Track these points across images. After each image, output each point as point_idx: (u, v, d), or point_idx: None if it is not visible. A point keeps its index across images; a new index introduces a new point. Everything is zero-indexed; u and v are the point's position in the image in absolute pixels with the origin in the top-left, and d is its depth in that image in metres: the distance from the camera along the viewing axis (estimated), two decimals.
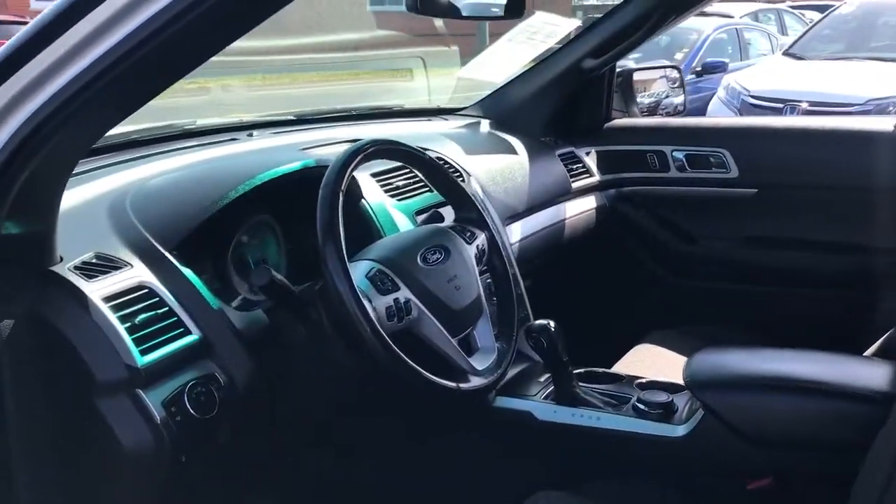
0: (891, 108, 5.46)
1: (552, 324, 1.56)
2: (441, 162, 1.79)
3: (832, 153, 2.13)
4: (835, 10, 7.27)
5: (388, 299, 1.15)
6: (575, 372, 1.66)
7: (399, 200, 1.58)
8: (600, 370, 1.69)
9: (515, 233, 1.91)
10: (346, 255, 1.10)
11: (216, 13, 0.79)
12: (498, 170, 1.95)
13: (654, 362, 1.87)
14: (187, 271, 1.17)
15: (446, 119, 2.29)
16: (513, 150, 2.09)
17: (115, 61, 0.82)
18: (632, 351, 1.97)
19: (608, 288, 2.29)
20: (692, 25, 7.97)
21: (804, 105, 5.69)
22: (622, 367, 1.87)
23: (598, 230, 2.25)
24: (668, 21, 2.07)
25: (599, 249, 2.26)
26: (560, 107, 2.27)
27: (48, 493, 1.04)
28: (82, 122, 0.91)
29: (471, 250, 1.32)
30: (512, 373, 1.70)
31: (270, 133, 1.87)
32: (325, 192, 1.13)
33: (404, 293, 1.17)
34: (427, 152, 1.45)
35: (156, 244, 1.17)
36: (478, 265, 1.34)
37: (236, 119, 1.94)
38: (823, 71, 6.31)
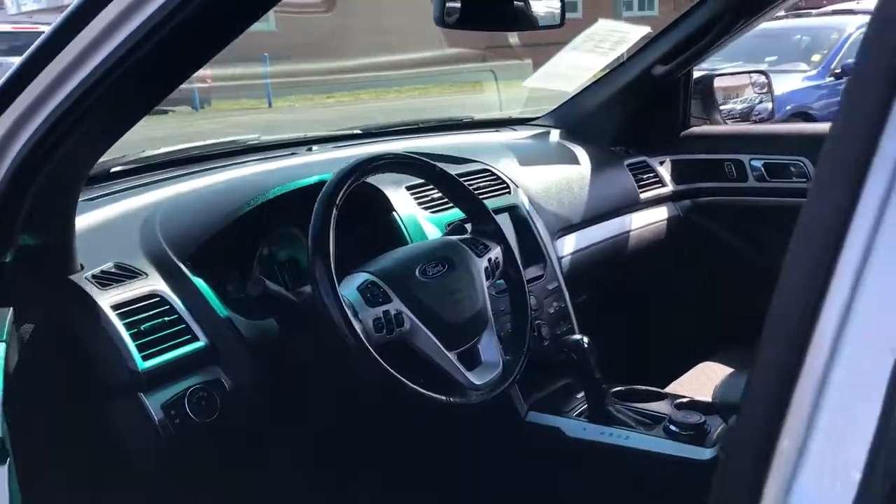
0: None
1: (585, 339, 1.53)
2: (486, 173, 1.79)
3: None
4: None
5: (377, 311, 1.16)
6: (615, 389, 1.62)
7: (433, 213, 1.59)
8: (643, 388, 1.64)
9: (568, 245, 1.88)
10: (333, 268, 1.13)
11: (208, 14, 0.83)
12: (554, 181, 1.93)
13: (713, 381, 1.79)
14: (199, 281, 1.23)
15: (515, 130, 2.28)
16: (575, 161, 2.06)
17: (107, 71, 0.87)
18: (695, 368, 1.89)
19: (677, 301, 2.21)
20: (833, 24, 7.52)
21: None
22: (680, 384, 1.81)
23: (670, 242, 2.18)
24: (737, 26, 1.98)
25: (670, 261, 2.19)
26: (632, 115, 2.21)
27: (51, 491, 1.12)
28: (83, 138, 0.98)
29: (481, 263, 1.32)
30: (552, 388, 1.67)
31: (332, 147, 1.93)
32: (319, 206, 1.16)
33: (396, 305, 1.18)
34: (441, 164, 1.44)
35: (171, 255, 1.24)
36: (490, 278, 1.34)
37: (301, 135, 2.01)
38: None
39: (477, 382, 1.22)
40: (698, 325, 2.13)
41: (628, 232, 2.07)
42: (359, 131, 2.13)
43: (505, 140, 2.14)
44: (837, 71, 7.10)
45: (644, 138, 2.23)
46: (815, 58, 7.24)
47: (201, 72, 14.15)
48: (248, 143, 1.89)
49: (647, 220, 2.12)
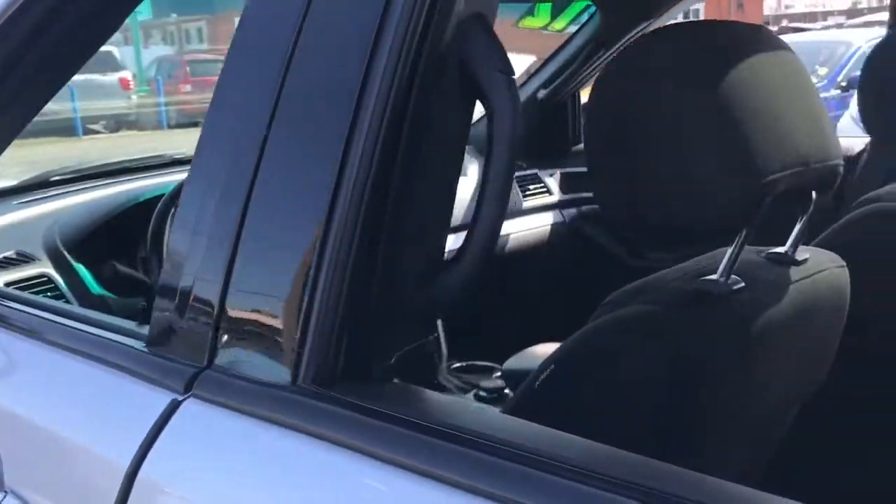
0: None
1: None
2: None
3: None
4: None
5: None
6: (455, 365, 1.92)
7: None
8: (482, 363, 1.93)
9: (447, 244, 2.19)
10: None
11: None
12: None
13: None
14: (80, 266, 1.59)
15: None
16: (463, 173, 2.37)
17: None
18: (539, 345, 2.18)
19: (551, 297, 2.49)
20: (840, 38, 7.65)
21: None
22: None
23: (552, 245, 2.47)
24: (598, 55, 2.27)
25: (551, 262, 2.47)
26: (525, 135, 2.51)
27: None
28: None
29: None
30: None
31: None
32: (156, 212, 1.51)
33: None
34: None
35: (60, 246, 1.60)
36: None
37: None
38: None
39: None
40: (566, 318, 2.41)
41: (508, 235, 2.36)
42: None
43: None
44: (843, 84, 7.25)
45: (537, 154, 2.53)
46: (822, 71, 7.38)
47: None
48: (148, 161, 2.21)
49: (529, 226, 2.41)
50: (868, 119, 1.51)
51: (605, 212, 0.91)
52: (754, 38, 0.90)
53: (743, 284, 0.90)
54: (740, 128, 0.81)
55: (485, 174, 0.76)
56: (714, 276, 0.89)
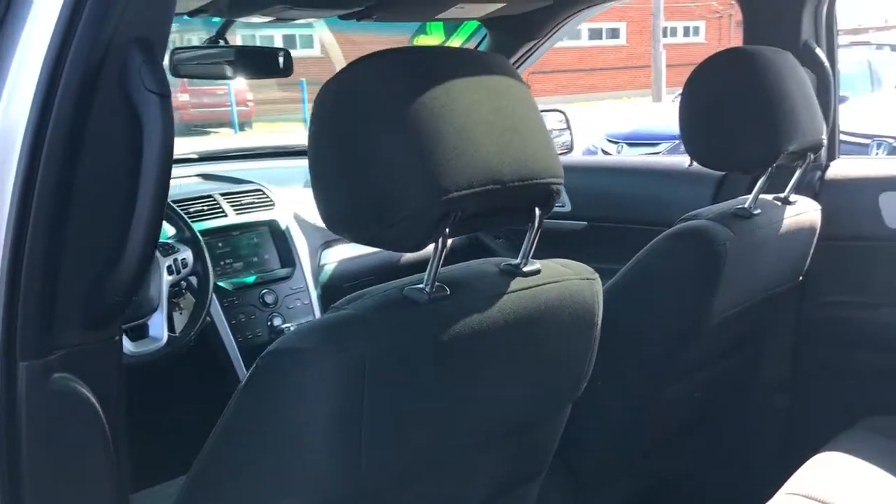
0: None
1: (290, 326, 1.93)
2: (257, 192, 2.20)
3: (651, 189, 2.30)
4: None
5: None
6: None
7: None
8: None
9: (333, 255, 2.27)
10: None
11: None
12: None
13: None
14: None
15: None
16: None
17: None
18: None
19: None
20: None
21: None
22: None
23: (454, 252, 2.53)
24: None
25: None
26: None
27: None
28: None
29: (164, 261, 1.72)
30: None
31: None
32: None
33: None
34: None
35: None
36: (176, 273, 1.74)
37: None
38: None
39: (134, 350, 1.62)
40: None
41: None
42: (195, 155, 2.57)
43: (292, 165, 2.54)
44: None
45: None
46: None
47: (243, 96, 15.06)
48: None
49: None
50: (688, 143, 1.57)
51: (328, 227, 0.97)
52: (462, 64, 0.96)
53: (448, 293, 0.97)
54: (427, 149, 0.88)
55: (136, 187, 0.83)
56: (420, 285, 0.96)
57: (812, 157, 1.61)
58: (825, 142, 1.65)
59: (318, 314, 2.14)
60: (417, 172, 0.88)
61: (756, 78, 1.48)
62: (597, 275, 1.15)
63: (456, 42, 2.39)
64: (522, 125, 0.98)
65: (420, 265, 2.34)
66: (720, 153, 1.54)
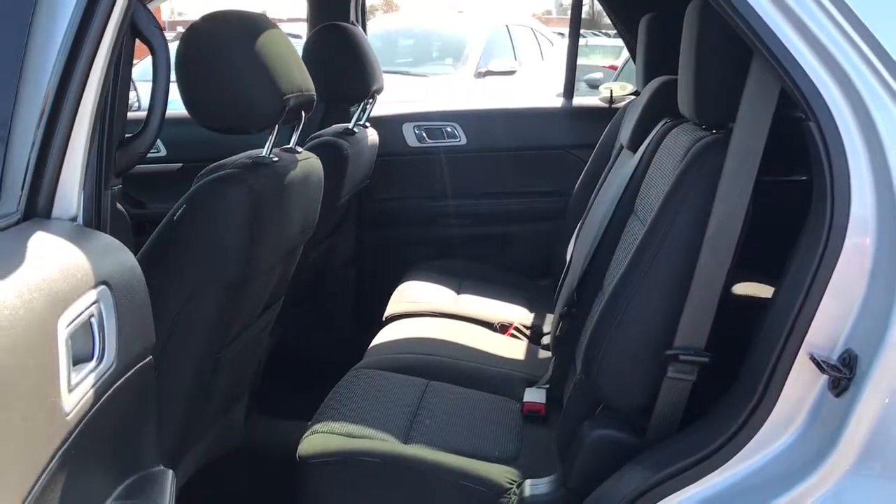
0: None
1: None
2: None
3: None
4: None
5: None
6: None
7: None
8: None
9: None
10: None
11: None
12: None
13: None
14: None
15: None
16: None
17: None
18: None
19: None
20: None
21: None
22: None
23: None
24: None
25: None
26: None
27: None
28: None
29: None
30: None
31: None
32: None
33: None
34: None
35: None
36: None
37: None
38: None
39: None
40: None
41: None
42: None
43: None
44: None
45: None
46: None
47: None
48: None
49: None
50: None
51: (199, 122, 1.60)
52: (267, 21, 1.68)
53: (277, 159, 1.76)
54: (268, 64, 1.59)
55: (154, 85, 1.37)
56: (262, 153, 1.72)
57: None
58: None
59: None
60: (266, 82, 1.58)
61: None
62: (315, 155, 1.99)
63: None
64: (296, 57, 1.75)
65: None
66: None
